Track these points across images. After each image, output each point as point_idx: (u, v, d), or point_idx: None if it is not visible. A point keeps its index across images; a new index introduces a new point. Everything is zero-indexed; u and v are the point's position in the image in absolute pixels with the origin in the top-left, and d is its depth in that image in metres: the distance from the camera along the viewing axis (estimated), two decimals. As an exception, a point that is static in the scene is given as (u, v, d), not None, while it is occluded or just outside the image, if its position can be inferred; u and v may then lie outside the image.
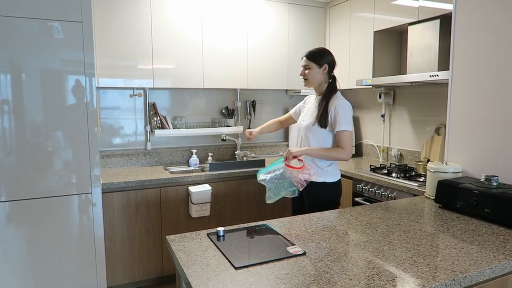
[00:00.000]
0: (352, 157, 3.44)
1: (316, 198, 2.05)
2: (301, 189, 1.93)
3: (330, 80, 2.11)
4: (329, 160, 2.04)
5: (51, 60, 2.03)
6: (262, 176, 2.01)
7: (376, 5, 2.91)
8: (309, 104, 2.22)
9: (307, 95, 2.33)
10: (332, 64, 2.10)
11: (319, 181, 2.04)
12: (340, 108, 2.00)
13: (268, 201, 2.01)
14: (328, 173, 2.06)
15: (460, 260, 1.21)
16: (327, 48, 3.49)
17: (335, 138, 2.03)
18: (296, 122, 2.33)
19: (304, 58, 2.11)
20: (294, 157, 1.98)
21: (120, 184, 2.50)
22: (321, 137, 2.05)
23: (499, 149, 1.85)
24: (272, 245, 1.36)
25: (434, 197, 1.89)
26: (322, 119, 2.02)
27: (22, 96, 1.99)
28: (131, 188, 2.55)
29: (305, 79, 2.12)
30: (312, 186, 2.01)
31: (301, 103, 2.34)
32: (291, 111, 2.43)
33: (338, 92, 2.10)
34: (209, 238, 1.42)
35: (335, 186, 2.10)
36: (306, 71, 2.10)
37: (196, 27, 2.98)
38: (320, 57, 2.07)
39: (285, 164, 1.96)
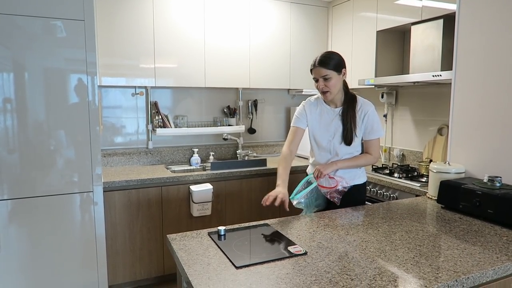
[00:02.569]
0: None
1: (348, 199, 1.89)
2: (338, 203, 1.85)
3: (345, 85, 1.92)
4: (358, 167, 1.97)
5: (54, 58, 2.03)
6: (297, 200, 1.88)
7: (379, 4, 2.90)
8: (329, 115, 1.93)
9: (311, 95, 2.07)
10: (345, 66, 1.88)
11: (361, 182, 1.98)
12: (373, 115, 1.89)
13: None
14: (360, 175, 1.99)
15: (463, 261, 1.20)
16: (330, 47, 3.51)
17: (365, 144, 1.94)
18: (303, 130, 2.00)
19: (321, 69, 1.80)
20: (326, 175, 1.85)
21: (121, 182, 2.50)
22: (356, 148, 1.94)
23: (502, 149, 1.84)
24: (273, 245, 1.35)
25: (436, 198, 1.89)
26: (350, 134, 1.87)
27: (25, 94, 2.00)
28: (132, 187, 2.55)
29: (325, 92, 1.83)
30: (355, 189, 1.93)
31: (302, 109, 1.98)
32: (296, 123, 1.98)
33: (358, 96, 1.92)
34: (210, 237, 1.41)
35: (365, 186, 2.05)
36: (328, 83, 1.81)
37: (198, 26, 2.98)
38: (337, 62, 1.82)
39: (319, 185, 1.86)
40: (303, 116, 1.97)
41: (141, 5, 2.78)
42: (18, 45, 1.95)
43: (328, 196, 1.87)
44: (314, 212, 1.92)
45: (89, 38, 2.08)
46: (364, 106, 1.89)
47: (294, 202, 1.90)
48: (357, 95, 1.95)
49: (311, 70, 1.88)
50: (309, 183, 1.90)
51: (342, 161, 1.89)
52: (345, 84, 1.92)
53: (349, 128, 1.87)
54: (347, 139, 1.88)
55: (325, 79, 1.81)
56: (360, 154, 1.97)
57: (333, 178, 1.87)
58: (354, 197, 1.95)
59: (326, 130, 1.93)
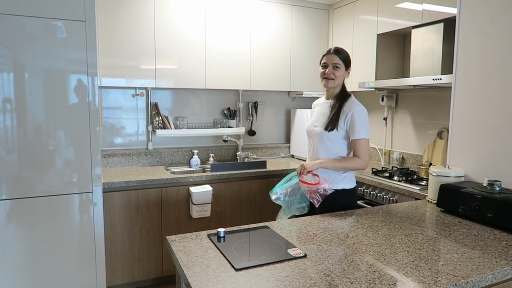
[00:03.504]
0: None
1: (333, 204, 1.88)
2: (317, 205, 1.81)
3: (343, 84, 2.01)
4: (346, 170, 1.93)
5: (54, 59, 2.03)
6: (276, 195, 1.89)
7: (380, 8, 2.91)
8: (318, 108, 2.06)
9: (318, 97, 2.19)
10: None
11: (338, 188, 1.90)
12: (358, 114, 1.87)
13: (278, 220, 1.89)
14: (346, 180, 1.94)
15: (462, 265, 1.20)
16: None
17: (352, 145, 1.91)
18: None
19: (335, 56, 1.92)
20: (308, 171, 1.84)
21: (121, 183, 2.50)
22: (338, 143, 1.92)
23: (502, 153, 1.84)
24: (272, 247, 1.35)
25: (436, 201, 1.88)
26: (333, 121, 1.89)
27: (25, 94, 1.99)
28: (132, 187, 2.55)
29: (330, 79, 1.92)
30: (330, 195, 1.89)
31: (310, 112, 2.19)
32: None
33: (353, 96, 1.97)
34: (210, 239, 1.41)
35: (353, 193, 1.99)
36: (336, 71, 1.91)
37: (199, 27, 2.98)
38: (347, 58, 1.95)
39: (300, 180, 1.84)
40: (308, 119, 2.18)
41: (142, 6, 2.78)
42: (18, 45, 1.95)
43: (308, 196, 1.84)
44: (295, 215, 1.89)
45: (90, 38, 2.08)
46: (352, 105, 1.91)
47: (273, 197, 1.90)
48: (353, 96, 1.98)
49: (322, 57, 1.98)
50: (291, 179, 1.91)
51: (328, 160, 1.89)
52: (343, 85, 2.00)
53: (333, 116, 1.92)
54: (328, 124, 1.91)
55: (335, 67, 1.92)
56: (348, 156, 1.95)
57: (317, 176, 1.84)
58: (341, 202, 1.90)
59: (315, 119, 2.04)
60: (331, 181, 1.89)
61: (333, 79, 1.92)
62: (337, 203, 1.89)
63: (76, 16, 2.04)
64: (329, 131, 1.90)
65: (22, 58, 1.97)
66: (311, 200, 1.83)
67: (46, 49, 2.01)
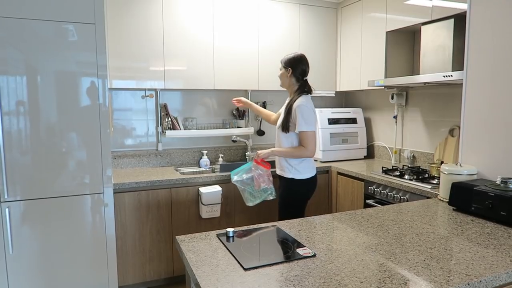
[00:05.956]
0: (364, 158, 3.42)
1: (283, 192, 2.30)
2: (256, 188, 2.21)
3: (300, 84, 2.31)
4: (294, 158, 2.24)
5: (65, 61, 2.06)
6: (237, 177, 2.27)
7: (389, 5, 2.88)
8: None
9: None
10: (296, 67, 2.30)
11: (288, 176, 2.27)
12: (299, 110, 2.17)
13: (248, 203, 2.25)
14: (297, 170, 2.25)
15: (475, 264, 1.18)
16: (339, 49, 3.49)
17: (299, 137, 2.22)
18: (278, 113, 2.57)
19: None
20: (262, 159, 2.28)
21: (131, 184, 2.52)
22: (292, 138, 2.25)
23: (516, 151, 1.81)
24: (282, 247, 1.35)
25: (448, 200, 1.86)
26: (285, 123, 2.23)
27: (37, 97, 2.03)
28: (142, 188, 2.57)
29: None
30: (282, 181, 2.32)
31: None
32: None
33: (304, 95, 2.25)
34: (219, 238, 1.41)
35: (303, 183, 2.27)
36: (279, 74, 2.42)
37: (207, 28, 2.99)
38: (286, 61, 2.34)
39: (255, 160, 2.25)
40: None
41: (151, 8, 2.81)
42: (30, 49, 1.99)
43: (255, 179, 2.22)
44: (271, 199, 2.29)
45: (99, 41, 2.11)
46: (297, 102, 2.21)
47: (233, 180, 2.30)
48: (302, 96, 2.25)
49: None
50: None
51: (277, 149, 2.29)
52: (304, 84, 2.32)
53: (286, 116, 2.24)
54: (281, 125, 2.27)
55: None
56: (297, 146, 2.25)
57: (269, 164, 2.28)
58: (290, 191, 2.26)
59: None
60: (284, 170, 2.28)
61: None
62: (287, 191, 2.28)
63: (86, 19, 2.07)
64: (284, 132, 2.25)
65: (35, 61, 2.01)
66: (255, 182, 2.21)
67: (58, 52, 2.04)
